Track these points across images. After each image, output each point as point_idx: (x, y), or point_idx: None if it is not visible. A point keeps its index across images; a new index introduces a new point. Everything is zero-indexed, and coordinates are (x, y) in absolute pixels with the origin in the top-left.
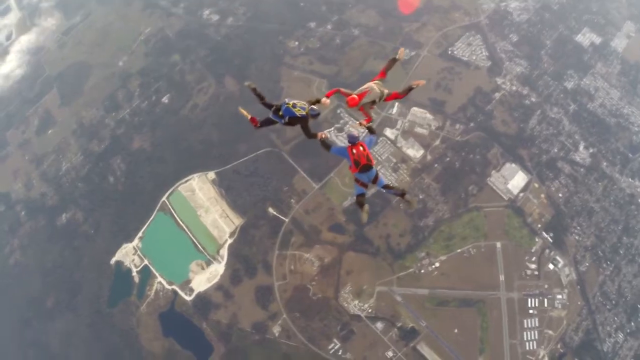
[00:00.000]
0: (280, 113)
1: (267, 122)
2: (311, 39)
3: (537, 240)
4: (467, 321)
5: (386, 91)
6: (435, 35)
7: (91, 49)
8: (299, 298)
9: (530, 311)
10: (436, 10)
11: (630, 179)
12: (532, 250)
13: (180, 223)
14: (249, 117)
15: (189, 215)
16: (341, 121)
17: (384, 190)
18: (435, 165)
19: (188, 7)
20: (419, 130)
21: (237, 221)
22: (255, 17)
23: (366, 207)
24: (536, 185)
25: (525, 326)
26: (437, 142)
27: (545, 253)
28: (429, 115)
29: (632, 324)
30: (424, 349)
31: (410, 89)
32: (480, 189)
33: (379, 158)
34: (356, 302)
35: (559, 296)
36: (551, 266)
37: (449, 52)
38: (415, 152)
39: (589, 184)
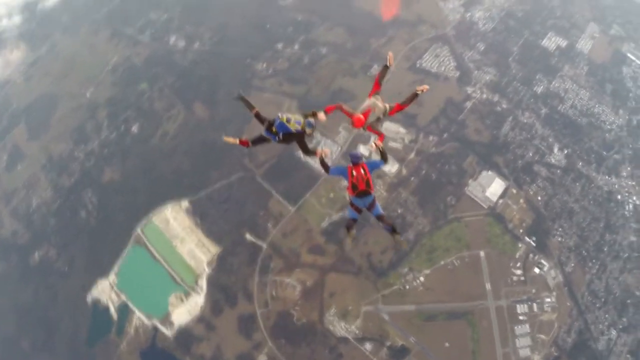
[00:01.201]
0: (274, 129)
1: (259, 141)
2: (279, 60)
3: (520, 245)
4: (457, 334)
5: (388, 105)
6: (403, 49)
7: (58, 80)
8: (283, 324)
9: (520, 317)
10: (402, 24)
11: (607, 177)
12: (516, 256)
13: (156, 255)
14: (237, 141)
15: (165, 246)
16: (314, 141)
17: (377, 221)
18: (412, 178)
19: (154, 34)
20: (392, 144)
21: (214, 250)
22: (222, 42)
23: (353, 232)
24: (514, 190)
25: (517, 333)
26: (412, 155)
27: (529, 258)
28: (401, 129)
29: (624, 319)
30: None
31: (414, 96)
32: (458, 199)
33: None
34: (342, 324)
35: (548, 299)
36: (537, 270)
37: (418, 65)
38: (390, 167)
39: (566, 185)
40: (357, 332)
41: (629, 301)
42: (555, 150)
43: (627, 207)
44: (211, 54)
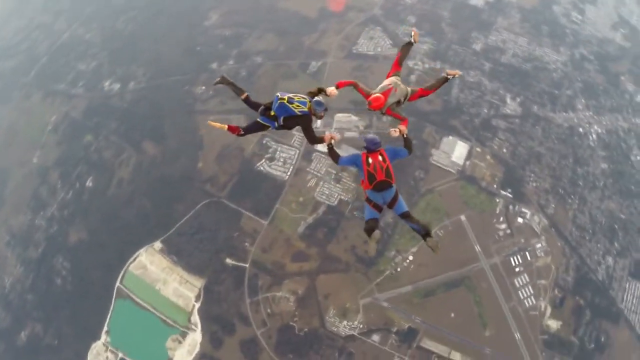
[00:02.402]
0: (272, 113)
1: (255, 128)
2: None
3: (497, 200)
4: (460, 302)
5: (409, 88)
6: (336, 39)
7: (2, 152)
8: (287, 339)
9: (517, 269)
10: (331, 15)
11: (564, 113)
12: (497, 212)
13: (142, 303)
14: (226, 126)
15: (148, 292)
16: (270, 150)
17: (404, 221)
18: None
19: (87, 84)
20: (349, 134)
21: (199, 283)
22: (156, 75)
23: (376, 234)
24: (478, 149)
25: (517, 285)
26: None
27: (510, 210)
28: (354, 117)
29: (616, 244)
30: (428, 344)
31: (444, 81)
32: (426, 171)
33: (318, 174)
34: (344, 322)
35: (538, 245)
36: (520, 220)
37: (354, 51)
38: None
39: (527, 131)
40: (361, 326)
41: (616, 226)
42: (508, 100)
43: (590, 138)
44: (148, 90)
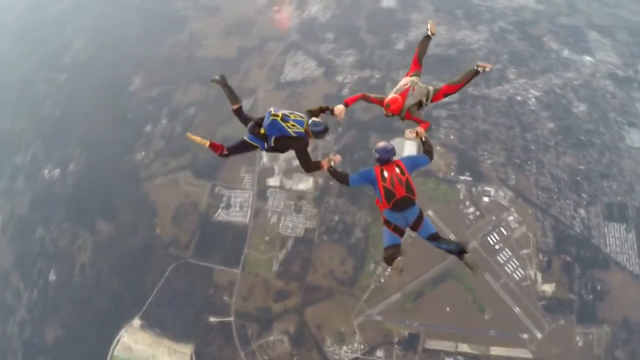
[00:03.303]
0: (262, 131)
1: (241, 148)
2: (154, 142)
3: (459, 187)
4: (451, 294)
5: (431, 88)
6: (261, 73)
7: None
8: None
9: (497, 247)
10: (250, 52)
11: (498, 87)
12: (461, 198)
13: None
14: (207, 143)
15: None
16: (223, 198)
17: (433, 244)
18: (330, 183)
19: (27, 176)
20: (297, 163)
21: (188, 349)
22: (94, 151)
23: (399, 263)
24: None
25: (502, 261)
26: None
27: (473, 192)
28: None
29: (584, 195)
30: (433, 344)
31: (474, 74)
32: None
33: (277, 209)
34: (344, 348)
35: (510, 218)
36: (486, 199)
37: (282, 81)
38: (305, 184)
39: (468, 113)
40: (362, 347)
41: (578, 178)
42: None
43: (530, 103)
44: (89, 168)
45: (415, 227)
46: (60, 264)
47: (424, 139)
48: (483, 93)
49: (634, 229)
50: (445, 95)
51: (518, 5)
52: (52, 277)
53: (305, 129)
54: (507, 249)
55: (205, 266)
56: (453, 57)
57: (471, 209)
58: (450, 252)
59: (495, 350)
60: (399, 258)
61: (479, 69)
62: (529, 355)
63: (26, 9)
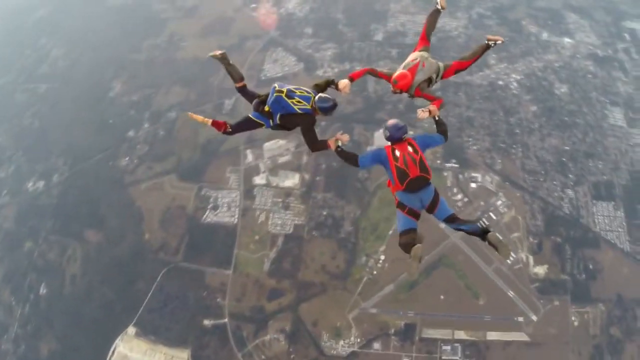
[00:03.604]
0: (267, 109)
1: (246, 125)
2: (138, 147)
3: (445, 174)
4: (444, 281)
5: (441, 64)
6: (242, 72)
7: None
8: None
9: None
10: (230, 50)
11: (480, 73)
12: (449, 185)
13: None
14: (209, 121)
15: None
16: (210, 199)
17: (452, 226)
18: (317, 178)
19: (11, 190)
20: (282, 160)
21: (184, 354)
22: (77, 160)
23: (418, 250)
24: (411, 132)
25: (496, 252)
26: (305, 158)
27: (460, 179)
28: (281, 142)
29: (570, 175)
30: (430, 333)
31: (486, 48)
32: (368, 170)
33: (265, 207)
34: (341, 342)
35: (499, 202)
36: (473, 185)
37: (263, 78)
38: (292, 180)
39: (451, 100)
40: (358, 340)
41: (564, 159)
42: None
43: (512, 86)
44: (73, 178)
45: (431, 209)
46: (51, 276)
47: (437, 117)
48: (465, 79)
49: (622, 206)
50: (457, 72)
51: None
52: (43, 290)
53: (311, 105)
54: (497, 234)
55: (196, 269)
56: (433, 45)
57: (459, 196)
58: (471, 233)
59: (492, 335)
60: (417, 245)
61: (490, 42)
62: (526, 338)
63: (1, 20)
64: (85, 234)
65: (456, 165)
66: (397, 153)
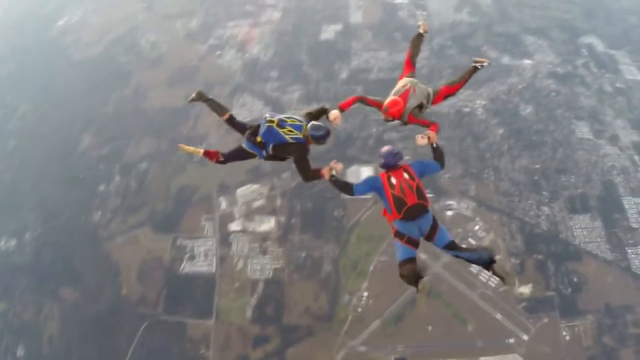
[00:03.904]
0: (259, 139)
1: (238, 155)
2: (110, 200)
3: None
4: (430, 312)
5: (431, 89)
6: (210, 118)
7: None
8: None
9: None
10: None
11: (446, 102)
12: None
13: None
14: (201, 152)
15: None
16: (187, 249)
17: (452, 253)
18: (293, 220)
19: None
20: (257, 204)
21: None
22: (49, 216)
23: (424, 283)
24: (407, 157)
25: (475, 272)
26: (279, 200)
27: (436, 209)
28: (254, 186)
29: (544, 192)
30: None
31: (473, 70)
32: (343, 207)
33: (242, 254)
34: None
35: (476, 227)
36: (450, 212)
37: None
38: (268, 225)
39: (419, 131)
40: None
41: (536, 177)
42: None
43: (478, 112)
44: (46, 235)
45: (430, 236)
46: (28, 337)
47: (434, 145)
48: (431, 109)
49: (598, 216)
50: (446, 97)
51: (452, 21)
52: (20, 352)
53: (303, 134)
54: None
55: (177, 321)
56: (395, 80)
57: None
58: (474, 262)
59: None
60: (425, 279)
61: (477, 65)
62: (520, 359)
63: None
64: (61, 291)
65: (431, 195)
66: (393, 180)
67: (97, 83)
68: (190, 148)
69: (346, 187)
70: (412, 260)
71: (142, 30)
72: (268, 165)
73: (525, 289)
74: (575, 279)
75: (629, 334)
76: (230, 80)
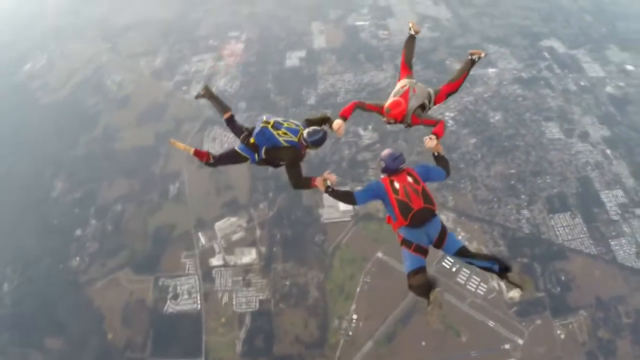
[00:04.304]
0: (252, 140)
1: (230, 158)
2: (87, 245)
3: None
4: (422, 327)
5: (431, 89)
6: (182, 155)
7: None
8: None
9: (453, 269)
10: (166, 136)
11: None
12: None
13: None
14: (192, 150)
15: None
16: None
17: (463, 260)
18: (274, 249)
19: None
20: (236, 237)
21: None
22: (27, 267)
23: (437, 294)
24: (358, 187)
25: (462, 282)
26: (258, 231)
27: None
28: (232, 219)
29: (522, 196)
30: None
31: (471, 64)
32: (324, 232)
33: (226, 288)
34: None
35: (459, 237)
36: None
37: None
38: (249, 256)
39: (391, 147)
40: None
41: (512, 182)
42: (362, 132)
43: (448, 124)
44: (25, 285)
45: (439, 243)
46: None
47: (437, 153)
48: (401, 127)
49: (578, 213)
50: (448, 95)
51: None
52: None
53: (298, 139)
54: (464, 269)
55: None
56: (365, 100)
57: None
58: (487, 269)
59: None
60: (437, 290)
61: (474, 57)
62: None
63: None
64: (45, 342)
65: None
66: (397, 185)
67: (65, 126)
68: (181, 144)
69: (347, 197)
70: (422, 270)
71: (108, 71)
72: (244, 196)
73: (515, 293)
74: (563, 277)
75: (623, 324)
76: (199, 114)
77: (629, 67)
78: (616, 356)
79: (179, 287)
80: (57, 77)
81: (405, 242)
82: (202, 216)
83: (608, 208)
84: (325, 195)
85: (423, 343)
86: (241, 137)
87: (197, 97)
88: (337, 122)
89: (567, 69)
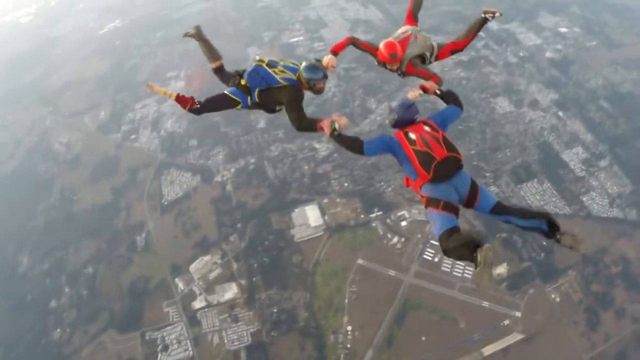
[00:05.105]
0: (243, 82)
1: (218, 103)
2: (65, 315)
3: (374, 225)
4: (419, 323)
5: (435, 42)
6: (143, 205)
7: None
8: None
9: (436, 259)
10: (123, 188)
11: (366, 120)
12: (381, 234)
13: None
14: (173, 95)
15: None
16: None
17: (500, 219)
18: (254, 279)
19: None
20: (214, 275)
21: None
22: (9, 350)
23: (487, 251)
24: (325, 200)
25: (448, 270)
26: (234, 265)
27: (389, 223)
28: (206, 258)
29: (487, 174)
30: None
31: (482, 22)
32: (300, 251)
33: (215, 328)
34: None
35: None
36: (404, 223)
37: (166, 203)
38: (231, 292)
39: (350, 156)
40: None
41: (474, 162)
42: (317, 145)
43: None
44: None
45: (471, 200)
46: None
47: (438, 92)
48: (354, 131)
49: (545, 178)
50: (452, 52)
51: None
52: None
53: (297, 77)
54: (449, 260)
55: None
56: (313, 113)
57: (395, 239)
58: (532, 229)
59: (488, 350)
60: (486, 246)
61: (488, 15)
62: (521, 336)
63: None
64: None
65: (380, 213)
66: (412, 136)
67: (20, 198)
68: (161, 89)
69: (354, 144)
70: (456, 229)
71: (53, 134)
72: (213, 233)
73: (502, 269)
74: (544, 243)
75: (612, 274)
76: (152, 160)
77: (563, 30)
78: (614, 305)
79: (167, 338)
80: (2, 151)
81: (431, 202)
82: (175, 261)
83: (572, 167)
84: (295, 214)
85: (423, 338)
86: (231, 81)
87: (185, 35)
88: (327, 57)
89: (504, 44)
